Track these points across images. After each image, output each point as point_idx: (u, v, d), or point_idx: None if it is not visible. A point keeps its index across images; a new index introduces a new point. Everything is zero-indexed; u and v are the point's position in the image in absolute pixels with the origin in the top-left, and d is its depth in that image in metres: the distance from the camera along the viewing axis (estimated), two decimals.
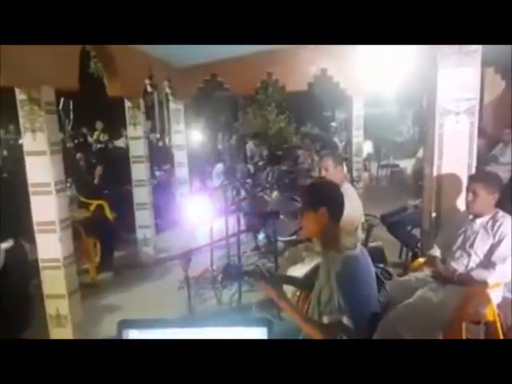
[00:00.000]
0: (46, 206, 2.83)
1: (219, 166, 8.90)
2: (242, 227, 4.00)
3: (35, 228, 2.87)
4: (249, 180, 7.62)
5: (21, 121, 2.79)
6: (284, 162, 7.58)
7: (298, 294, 2.13)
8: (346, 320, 1.58)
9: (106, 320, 3.48)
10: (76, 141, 9.14)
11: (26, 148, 2.83)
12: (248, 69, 5.33)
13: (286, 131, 13.71)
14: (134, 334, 1.10)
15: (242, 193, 6.47)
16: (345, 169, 3.77)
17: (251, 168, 9.34)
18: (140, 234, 4.82)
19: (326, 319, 1.62)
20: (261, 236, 4.86)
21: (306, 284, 2.07)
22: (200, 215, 4.45)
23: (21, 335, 3.09)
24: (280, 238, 3.44)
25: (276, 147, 10.78)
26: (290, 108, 14.17)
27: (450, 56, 3.13)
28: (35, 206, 2.85)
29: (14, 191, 4.57)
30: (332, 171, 3.45)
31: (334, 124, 14.07)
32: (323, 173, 3.52)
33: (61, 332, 2.90)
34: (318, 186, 2.01)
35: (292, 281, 2.20)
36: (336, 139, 10.70)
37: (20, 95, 2.76)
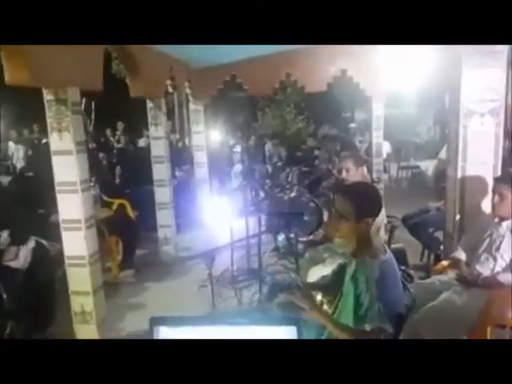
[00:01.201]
0: (72, 204, 2.89)
1: (238, 167, 8.94)
2: (263, 228, 4.01)
3: (61, 226, 2.94)
4: (267, 181, 7.63)
5: (48, 121, 2.85)
6: (303, 162, 7.56)
7: (320, 298, 2.13)
8: (389, 328, 1.58)
9: (129, 317, 3.53)
10: (98, 141, 9.29)
11: (52, 147, 2.89)
12: (267, 69, 5.33)
13: (304, 132, 13.68)
14: (164, 331, 1.12)
15: (261, 193, 6.48)
16: (365, 170, 3.74)
17: (270, 168, 9.35)
18: (161, 233, 4.88)
19: (367, 326, 1.62)
20: (280, 237, 4.86)
21: (331, 288, 2.08)
22: (219, 215, 4.48)
23: (46, 331, 3.16)
24: (300, 239, 3.44)
25: (294, 148, 10.76)
26: (308, 109, 14.13)
27: (474, 56, 3.07)
28: (61, 204, 2.91)
29: (38, 190, 4.69)
30: (353, 172, 3.44)
31: (353, 125, 13.97)
32: (344, 174, 3.51)
33: (85, 328, 2.96)
34: (362, 193, 1.90)
35: (317, 286, 2.21)
36: (356, 140, 10.62)
37: (47, 96, 2.82)
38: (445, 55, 3.36)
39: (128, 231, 4.67)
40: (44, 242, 3.45)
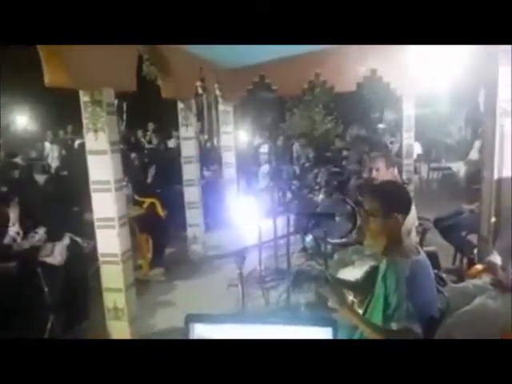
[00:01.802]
0: (106, 202, 2.96)
1: (265, 167, 8.94)
2: (291, 229, 4.01)
3: (95, 224, 3.02)
4: (295, 181, 7.61)
5: (84, 121, 2.93)
6: (331, 163, 7.51)
7: (351, 298, 2.11)
8: (416, 328, 1.56)
9: (159, 314, 3.60)
10: (129, 141, 9.51)
11: (88, 147, 2.97)
12: (296, 69, 5.32)
13: (332, 132, 13.57)
14: (199, 328, 1.14)
15: (288, 194, 6.47)
16: (396, 171, 3.69)
17: (297, 169, 9.32)
18: (190, 232, 4.95)
19: (394, 325, 1.60)
20: (308, 238, 4.84)
21: (363, 288, 2.06)
22: (247, 215, 4.50)
23: (80, 326, 3.26)
24: (330, 240, 3.41)
25: (323, 148, 10.69)
26: (337, 109, 14.01)
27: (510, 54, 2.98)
28: (96, 202, 2.99)
29: (72, 188, 4.84)
30: (383, 172, 3.39)
31: (382, 125, 13.75)
32: (374, 174, 3.47)
33: (117, 325, 3.03)
34: (389, 189, 1.93)
35: (349, 285, 2.19)
36: (385, 141, 10.46)
37: (83, 97, 2.90)
38: (478, 53, 3.27)
39: (158, 229, 4.76)
40: (78, 239, 3.55)
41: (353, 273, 2.66)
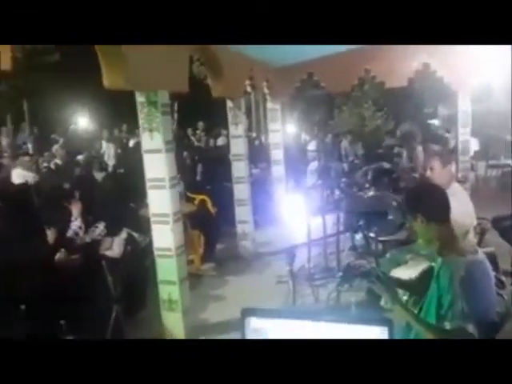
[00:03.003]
0: (161, 199, 3.09)
1: (313, 165, 8.88)
2: (340, 226, 3.98)
3: (151, 219, 3.15)
4: (343, 179, 7.50)
5: (140, 121, 3.07)
6: (382, 160, 7.33)
7: (405, 298, 2.07)
8: (471, 328, 1.52)
9: (211, 307, 3.71)
10: (180, 140, 9.78)
11: (143, 146, 3.11)
12: (345, 66, 5.25)
13: (383, 129, 13.24)
14: (254, 322, 1.18)
15: (336, 192, 6.39)
16: (453, 168, 3.55)
17: (346, 167, 9.18)
18: (239, 228, 5.04)
19: (448, 325, 1.57)
20: (358, 236, 4.78)
21: (418, 288, 2.02)
22: (296, 213, 4.51)
23: (137, 316, 3.42)
24: (380, 238, 3.34)
25: (372, 145, 10.46)
26: (387, 105, 13.64)
27: None
28: (151, 199, 3.13)
29: (128, 185, 5.07)
30: (439, 171, 3.28)
31: (436, 121, 13.24)
32: (428, 173, 3.36)
33: (172, 316, 3.16)
34: (417, 191, 2.01)
35: (403, 284, 2.16)
36: (440, 137, 10.07)
37: (139, 98, 3.05)
38: None
39: (209, 226, 4.89)
40: (135, 234, 3.72)
41: (407, 272, 2.61)
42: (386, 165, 6.14)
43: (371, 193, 5.11)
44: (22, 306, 2.64)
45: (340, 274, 2.72)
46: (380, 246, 3.95)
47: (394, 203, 2.98)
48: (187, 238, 4.31)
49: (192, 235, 4.56)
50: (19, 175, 5.40)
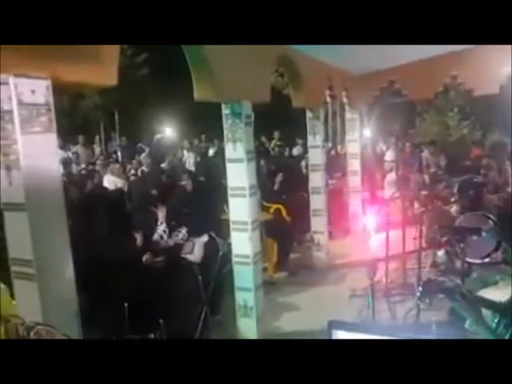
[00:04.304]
0: (241, 207, 3.20)
1: (391, 175, 8.59)
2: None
3: (231, 226, 3.27)
4: (424, 191, 7.15)
5: (224, 132, 3.20)
6: (468, 172, 6.88)
7: (496, 320, 1.93)
8: None
9: (285, 316, 3.73)
10: (257, 149, 9.98)
11: (227, 156, 3.24)
12: (429, 72, 5.03)
13: (469, 139, 12.46)
14: (342, 335, 1.18)
15: (415, 204, 6.11)
16: None
17: (427, 178, 8.76)
18: (314, 238, 5.02)
19: None
20: (440, 252, 4.54)
21: (509, 311, 1.88)
22: (373, 225, 4.40)
23: (213, 319, 3.54)
24: (469, 260, 3.13)
25: (457, 156, 9.86)
26: (474, 113, 12.83)
27: None
28: (232, 206, 3.25)
29: (207, 192, 5.28)
30: None
31: None
32: None
33: (246, 322, 3.24)
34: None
35: (492, 306, 2.02)
36: None
37: (225, 110, 3.19)
38: None
39: (283, 234, 4.93)
40: (217, 238, 3.86)
41: (497, 293, 2.43)
42: (477, 177, 5.74)
43: (455, 206, 4.83)
44: (125, 304, 2.74)
45: (420, 288, 2.58)
46: (466, 265, 3.71)
47: (490, 222, 2.75)
48: (262, 246, 4.40)
49: (266, 243, 4.63)
50: (110, 181, 5.86)
